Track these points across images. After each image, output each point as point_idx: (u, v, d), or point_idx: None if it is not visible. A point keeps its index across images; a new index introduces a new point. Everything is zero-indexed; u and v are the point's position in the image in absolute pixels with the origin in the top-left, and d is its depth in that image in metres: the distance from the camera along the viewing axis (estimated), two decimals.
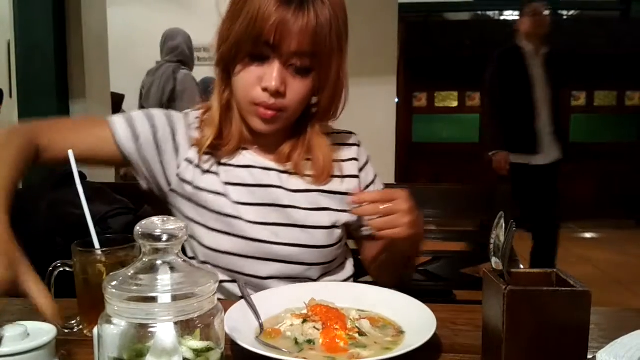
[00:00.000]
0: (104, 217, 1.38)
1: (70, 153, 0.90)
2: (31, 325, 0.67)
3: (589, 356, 0.64)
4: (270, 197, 1.07)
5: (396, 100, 3.26)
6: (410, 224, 0.92)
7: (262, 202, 1.06)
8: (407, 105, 6.62)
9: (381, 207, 0.92)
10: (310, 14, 0.93)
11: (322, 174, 1.08)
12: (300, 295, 0.90)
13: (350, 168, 1.14)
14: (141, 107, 3.84)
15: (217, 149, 1.07)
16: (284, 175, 1.09)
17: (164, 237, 0.56)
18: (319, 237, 1.07)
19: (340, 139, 1.17)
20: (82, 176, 0.92)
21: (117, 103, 4.52)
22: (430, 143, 6.67)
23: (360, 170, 1.15)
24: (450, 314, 0.89)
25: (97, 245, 0.86)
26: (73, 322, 0.85)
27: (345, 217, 1.10)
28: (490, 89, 3.53)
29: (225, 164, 1.08)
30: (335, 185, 1.10)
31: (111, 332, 0.55)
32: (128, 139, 1.05)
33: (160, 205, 1.13)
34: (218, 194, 1.06)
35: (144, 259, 0.57)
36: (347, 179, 1.12)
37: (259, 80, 0.98)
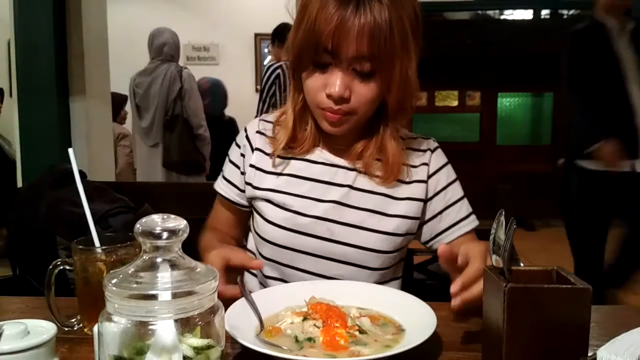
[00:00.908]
0: (104, 215, 1.38)
1: (70, 151, 0.90)
2: (31, 323, 0.67)
3: (589, 353, 0.64)
4: (334, 195, 1.07)
5: None
6: None
7: (324, 199, 1.07)
8: None
9: (477, 287, 0.78)
10: (367, 17, 0.91)
11: (390, 175, 1.07)
12: (300, 293, 0.90)
13: (420, 174, 1.11)
14: (136, 106, 3.84)
15: (291, 150, 1.10)
16: (352, 174, 1.09)
17: (164, 235, 0.56)
18: (376, 241, 1.06)
19: (414, 144, 1.14)
20: (83, 175, 0.92)
21: (119, 104, 4.53)
22: None
23: (430, 176, 1.11)
24: (451, 312, 0.89)
25: (97, 243, 0.86)
26: (73, 320, 0.85)
27: (406, 225, 1.08)
28: (570, 76, 2.76)
29: (294, 158, 1.10)
30: (401, 190, 1.09)
31: (111, 329, 0.55)
32: (230, 191, 1.17)
33: (160, 204, 1.14)
34: (281, 192, 1.08)
35: (144, 257, 0.57)
36: (413, 184, 1.10)
37: (323, 87, 0.99)
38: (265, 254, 1.10)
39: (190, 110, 3.73)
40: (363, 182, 1.08)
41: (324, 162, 1.10)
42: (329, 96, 0.98)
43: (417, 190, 1.09)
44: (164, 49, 3.77)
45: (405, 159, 1.09)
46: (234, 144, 1.18)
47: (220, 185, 1.18)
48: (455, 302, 0.78)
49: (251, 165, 1.12)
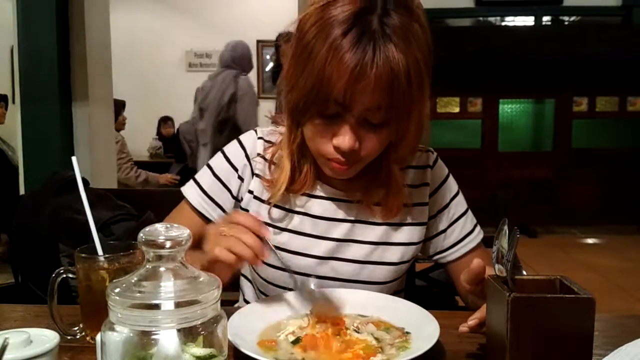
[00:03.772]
0: (106, 222, 1.38)
1: (74, 159, 0.90)
2: (34, 331, 0.67)
3: None
4: (337, 232, 1.03)
5: None
6: None
7: (326, 236, 1.03)
8: None
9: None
10: (385, 67, 0.82)
11: (391, 210, 1.02)
12: (303, 302, 0.90)
13: (421, 195, 1.07)
14: (199, 109, 4.00)
15: (290, 191, 1.02)
16: (354, 207, 1.04)
17: (168, 244, 0.56)
18: (381, 273, 1.03)
19: (413, 160, 1.08)
20: (85, 182, 0.92)
21: (117, 109, 4.56)
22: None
23: (432, 195, 1.08)
24: (454, 321, 0.89)
25: (100, 251, 0.86)
26: (76, 328, 0.84)
27: (410, 252, 1.05)
28: None
29: (292, 192, 1.03)
30: (403, 216, 1.05)
31: (114, 339, 0.54)
32: (199, 199, 1.06)
33: (163, 211, 1.13)
34: (279, 228, 1.03)
35: (147, 266, 0.57)
36: (415, 208, 1.06)
37: (330, 137, 0.90)
38: (261, 288, 1.07)
39: (239, 114, 3.83)
40: (366, 214, 1.04)
41: (324, 197, 1.04)
42: (336, 148, 0.89)
43: (419, 214, 1.06)
44: (223, 56, 3.97)
45: (405, 179, 1.05)
46: (222, 158, 1.08)
47: (197, 199, 1.06)
48: (464, 329, 0.78)
49: (250, 192, 1.06)
